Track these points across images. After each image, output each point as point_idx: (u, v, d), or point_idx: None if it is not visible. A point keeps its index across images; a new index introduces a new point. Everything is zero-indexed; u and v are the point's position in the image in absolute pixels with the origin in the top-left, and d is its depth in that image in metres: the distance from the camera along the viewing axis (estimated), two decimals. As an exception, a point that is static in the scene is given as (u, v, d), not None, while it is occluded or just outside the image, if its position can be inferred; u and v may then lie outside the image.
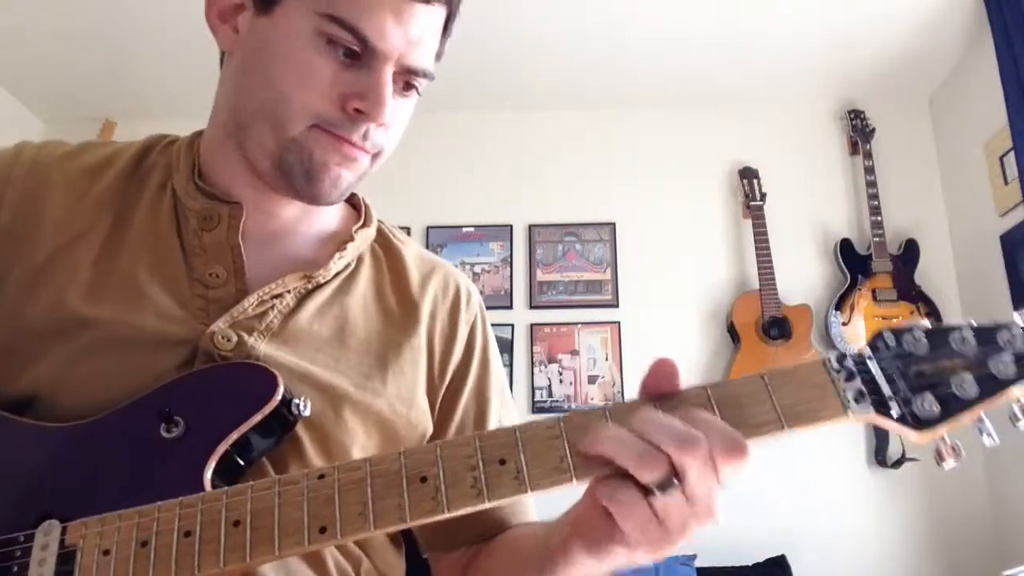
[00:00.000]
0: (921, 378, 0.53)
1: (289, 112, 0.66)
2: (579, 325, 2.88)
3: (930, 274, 2.79)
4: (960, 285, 2.81)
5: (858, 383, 0.53)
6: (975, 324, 0.54)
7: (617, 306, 2.90)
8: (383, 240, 0.83)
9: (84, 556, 0.54)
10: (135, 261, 0.69)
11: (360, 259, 0.79)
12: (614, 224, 2.98)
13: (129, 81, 2.95)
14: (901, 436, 0.53)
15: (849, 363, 0.54)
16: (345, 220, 0.81)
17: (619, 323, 2.87)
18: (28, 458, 0.61)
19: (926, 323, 0.55)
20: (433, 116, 2.77)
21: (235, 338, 0.66)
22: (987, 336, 0.53)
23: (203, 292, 0.69)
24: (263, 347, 0.67)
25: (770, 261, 2.75)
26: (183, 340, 0.65)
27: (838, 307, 2.74)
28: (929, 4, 2.52)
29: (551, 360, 2.85)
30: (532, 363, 2.84)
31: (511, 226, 3.00)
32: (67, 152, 0.75)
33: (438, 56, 0.73)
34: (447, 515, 0.52)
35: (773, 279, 2.74)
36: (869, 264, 2.77)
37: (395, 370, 0.74)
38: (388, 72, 0.66)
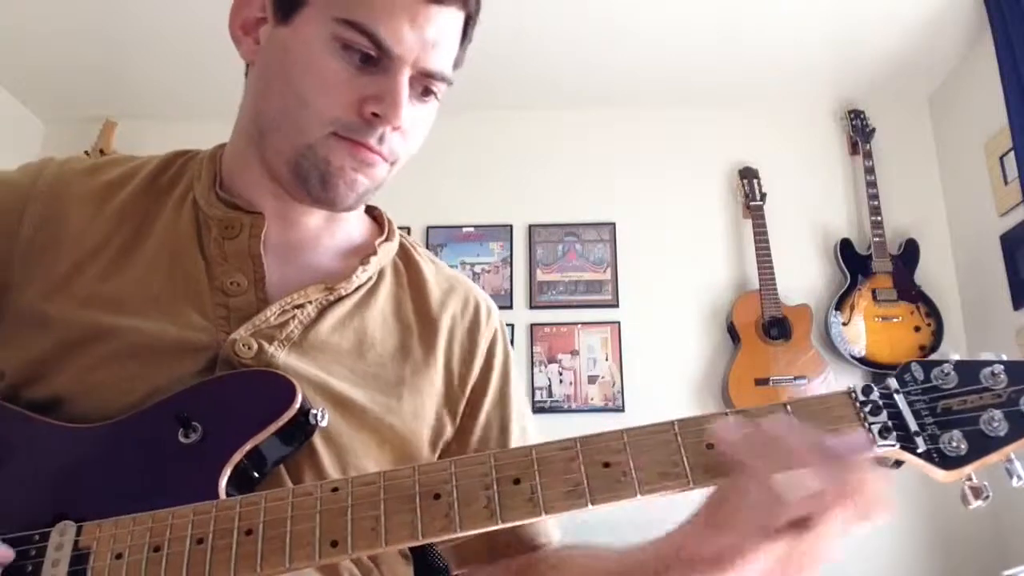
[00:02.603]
0: (949, 414, 0.52)
1: (307, 118, 0.66)
2: (579, 325, 2.88)
3: (930, 274, 2.79)
4: (960, 285, 2.81)
5: (884, 417, 0.52)
6: (1007, 359, 0.53)
7: (617, 306, 2.90)
8: (404, 254, 0.83)
9: (97, 559, 0.55)
10: (156, 270, 0.70)
11: (381, 273, 0.79)
12: (614, 224, 2.98)
13: (129, 81, 2.95)
14: (926, 473, 0.52)
15: (876, 396, 0.53)
16: (368, 233, 0.82)
17: (619, 323, 2.87)
18: (47, 456, 0.62)
19: (956, 356, 0.54)
20: (433, 116, 2.78)
21: (256, 346, 0.66)
22: (1019, 372, 0.52)
23: (224, 301, 0.69)
24: (283, 356, 0.67)
25: (770, 261, 2.75)
26: (203, 347, 0.66)
27: (838, 307, 2.74)
28: (929, 4, 2.52)
29: (551, 360, 2.85)
30: (532, 363, 2.83)
31: (511, 226, 3.00)
32: (89, 167, 0.77)
33: (458, 62, 0.72)
34: (459, 534, 0.52)
35: (773, 279, 2.74)
36: (869, 264, 2.77)
37: (411, 387, 0.74)
38: (404, 75, 0.66)
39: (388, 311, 0.77)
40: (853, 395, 0.53)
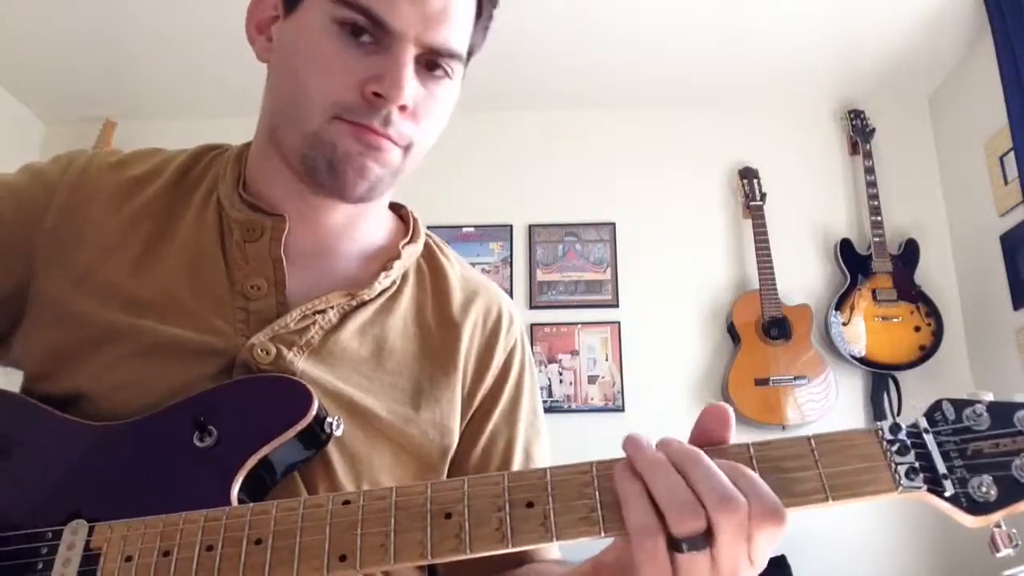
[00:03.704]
0: (979, 457, 0.50)
1: (310, 105, 0.65)
2: (579, 325, 2.88)
3: (930, 274, 2.79)
4: (960, 285, 2.81)
5: (911, 457, 0.50)
6: None
7: (617, 306, 2.90)
8: (429, 255, 0.81)
9: (107, 561, 0.55)
10: (177, 271, 0.69)
11: (405, 276, 0.77)
12: (614, 224, 2.98)
13: (129, 81, 2.94)
14: (953, 518, 0.50)
15: (903, 435, 0.51)
16: (392, 235, 0.80)
17: (619, 323, 2.87)
18: (63, 453, 0.62)
19: (989, 396, 0.52)
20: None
21: (274, 351, 0.66)
22: None
23: (244, 304, 0.68)
24: (301, 363, 0.67)
25: (770, 261, 2.75)
26: (222, 351, 0.65)
27: (838, 307, 2.74)
28: (929, 4, 2.52)
29: (551, 360, 2.85)
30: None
31: (511, 226, 3.00)
32: (116, 162, 0.76)
33: (476, 41, 0.71)
34: (470, 555, 0.51)
35: (773, 279, 2.74)
36: (869, 264, 2.77)
37: (430, 396, 0.72)
38: (406, 52, 0.63)
39: (410, 317, 0.75)
40: (880, 433, 0.51)
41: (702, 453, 0.49)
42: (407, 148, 0.68)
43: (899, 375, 2.68)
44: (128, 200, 0.72)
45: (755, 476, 0.48)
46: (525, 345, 0.83)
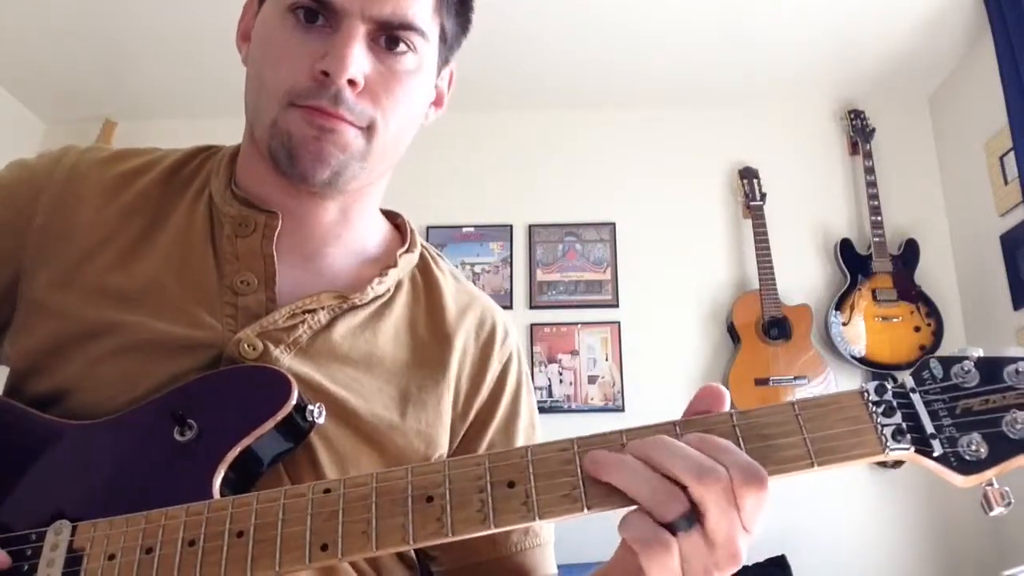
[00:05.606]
0: (969, 414, 0.48)
1: (268, 95, 0.65)
2: (579, 325, 2.88)
3: (930, 274, 2.79)
4: (960, 285, 2.81)
5: (898, 418, 0.49)
6: None
7: (617, 306, 2.90)
8: (424, 266, 0.80)
9: (90, 560, 0.54)
10: (166, 265, 0.69)
11: (399, 285, 0.76)
12: (614, 224, 2.98)
13: (129, 81, 2.95)
14: (943, 479, 0.48)
15: (889, 396, 0.49)
16: (388, 242, 0.79)
17: (619, 323, 2.87)
18: (46, 454, 0.62)
19: (979, 352, 0.50)
20: (433, 116, 2.76)
21: (261, 347, 0.65)
22: None
23: (232, 299, 0.68)
24: (287, 360, 0.66)
25: (770, 261, 2.75)
26: (208, 345, 0.65)
27: (838, 307, 2.74)
28: (929, 4, 2.52)
29: (551, 360, 2.85)
30: (532, 363, 2.83)
31: (511, 226, 3.00)
32: (106, 157, 0.75)
33: (450, 25, 0.70)
34: (452, 538, 0.50)
35: (773, 279, 2.73)
36: (869, 264, 2.77)
37: (417, 405, 0.71)
38: (353, 27, 0.63)
39: (401, 326, 0.74)
40: (865, 394, 0.50)
41: (663, 436, 0.50)
42: (368, 129, 0.66)
43: (899, 375, 2.64)
44: (117, 195, 0.72)
45: (728, 444, 0.48)
46: (521, 359, 0.82)
